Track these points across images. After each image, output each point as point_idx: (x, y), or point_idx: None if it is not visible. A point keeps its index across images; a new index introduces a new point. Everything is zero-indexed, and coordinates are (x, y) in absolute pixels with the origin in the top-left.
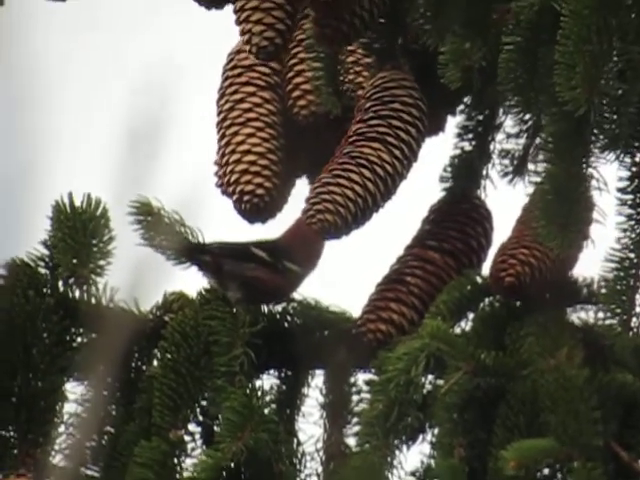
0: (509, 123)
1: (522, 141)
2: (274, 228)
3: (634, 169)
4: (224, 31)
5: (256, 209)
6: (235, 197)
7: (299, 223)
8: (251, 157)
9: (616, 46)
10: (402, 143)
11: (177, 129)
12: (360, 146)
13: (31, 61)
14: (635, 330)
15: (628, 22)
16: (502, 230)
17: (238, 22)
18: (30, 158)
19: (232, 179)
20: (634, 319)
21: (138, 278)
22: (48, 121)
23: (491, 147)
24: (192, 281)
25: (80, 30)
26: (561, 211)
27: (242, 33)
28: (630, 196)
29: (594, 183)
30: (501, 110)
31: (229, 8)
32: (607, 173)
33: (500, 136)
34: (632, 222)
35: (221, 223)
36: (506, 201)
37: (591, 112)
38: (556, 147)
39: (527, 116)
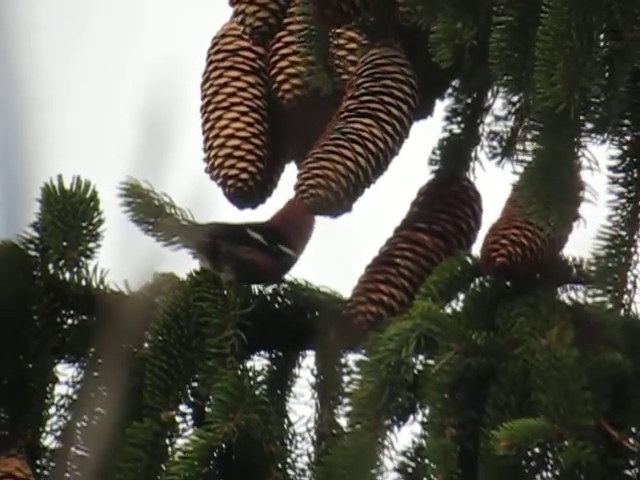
0: (497, 105)
1: (510, 123)
2: (265, 213)
3: (625, 147)
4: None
5: (240, 193)
6: (219, 181)
7: (289, 207)
8: (235, 141)
9: (596, 41)
10: (393, 119)
11: (186, 124)
12: (352, 122)
13: (37, 56)
14: (626, 307)
15: (607, 18)
16: (491, 211)
17: (232, 3)
18: (37, 158)
19: (216, 163)
20: (625, 296)
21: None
22: (57, 117)
23: (480, 129)
24: (182, 263)
25: (84, 25)
26: (546, 189)
27: (236, 14)
28: (621, 174)
29: (584, 162)
30: (489, 93)
31: None
32: (598, 151)
33: (489, 118)
34: (623, 200)
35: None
36: (495, 183)
37: (572, 107)
38: (543, 125)
39: (515, 98)
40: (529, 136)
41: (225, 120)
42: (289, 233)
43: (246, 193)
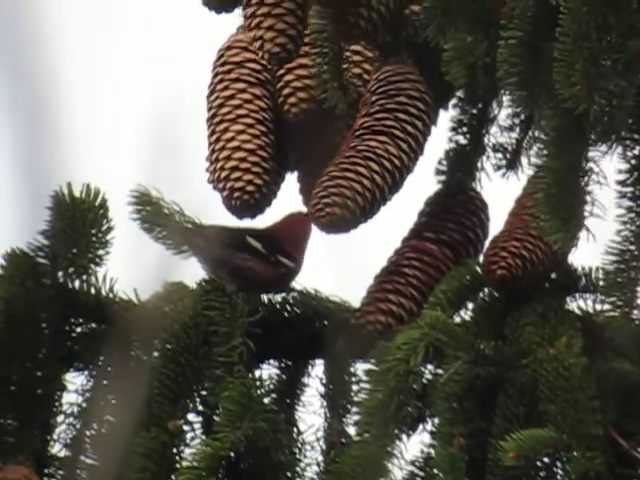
0: (502, 116)
1: (515, 134)
2: (262, 221)
3: (633, 162)
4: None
5: (246, 206)
6: (225, 194)
7: (289, 220)
8: (241, 154)
9: (614, 43)
10: (409, 136)
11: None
12: (367, 139)
13: (53, 61)
14: (636, 322)
15: (626, 18)
16: (498, 221)
17: (249, 28)
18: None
19: (222, 176)
20: (635, 311)
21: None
22: (66, 122)
23: (485, 140)
24: (192, 271)
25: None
26: (564, 205)
27: (254, 40)
28: (630, 188)
29: (593, 177)
30: (494, 103)
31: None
32: (606, 166)
33: (494, 129)
34: (632, 214)
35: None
36: (501, 193)
37: (591, 109)
38: (557, 141)
39: (519, 108)
40: (537, 149)
41: (231, 132)
42: (288, 245)
43: (252, 205)
